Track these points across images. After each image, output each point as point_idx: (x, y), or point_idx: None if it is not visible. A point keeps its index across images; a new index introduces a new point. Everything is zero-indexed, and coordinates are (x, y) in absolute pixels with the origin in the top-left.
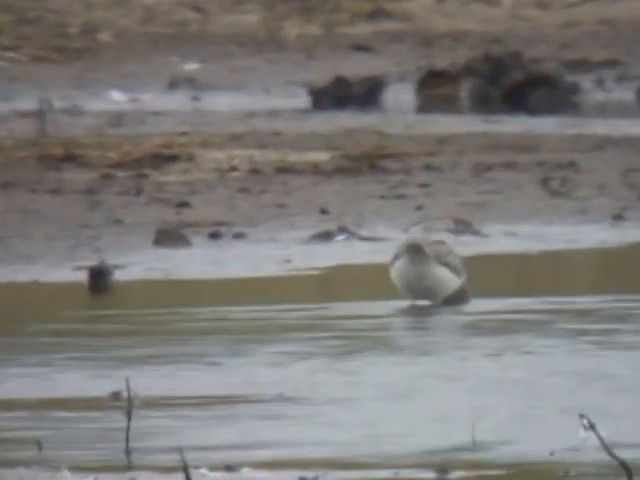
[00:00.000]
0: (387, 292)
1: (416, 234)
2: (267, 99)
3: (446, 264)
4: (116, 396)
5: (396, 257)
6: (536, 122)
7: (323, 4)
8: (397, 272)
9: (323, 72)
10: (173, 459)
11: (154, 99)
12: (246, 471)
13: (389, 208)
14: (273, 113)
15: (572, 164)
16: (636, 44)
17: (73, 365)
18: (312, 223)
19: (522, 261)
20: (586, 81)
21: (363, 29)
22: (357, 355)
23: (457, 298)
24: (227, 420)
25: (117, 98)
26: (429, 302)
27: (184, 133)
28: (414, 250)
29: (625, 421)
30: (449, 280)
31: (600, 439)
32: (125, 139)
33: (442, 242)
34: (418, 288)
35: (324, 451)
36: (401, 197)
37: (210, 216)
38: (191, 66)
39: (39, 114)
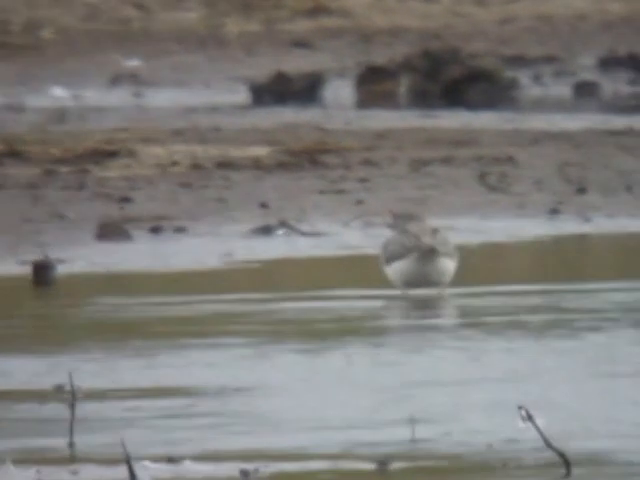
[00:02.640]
0: (326, 285)
1: (427, 238)
2: (208, 95)
3: (447, 254)
4: (59, 389)
5: (395, 256)
6: (474, 117)
7: (263, 1)
8: (400, 272)
9: (263, 68)
10: (116, 452)
11: (96, 95)
12: (188, 463)
13: (329, 203)
14: (214, 109)
15: (510, 159)
16: (573, 40)
17: (17, 358)
18: (253, 217)
19: (460, 254)
20: (524, 76)
21: (303, 26)
22: (297, 347)
23: None
24: (168, 412)
25: (59, 94)
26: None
27: (126, 129)
28: (430, 254)
29: (560, 413)
30: (451, 269)
31: (538, 430)
32: (67, 135)
33: (437, 230)
34: (422, 283)
35: (265, 443)
36: (341, 192)
37: (152, 211)
38: (133, 63)
39: None
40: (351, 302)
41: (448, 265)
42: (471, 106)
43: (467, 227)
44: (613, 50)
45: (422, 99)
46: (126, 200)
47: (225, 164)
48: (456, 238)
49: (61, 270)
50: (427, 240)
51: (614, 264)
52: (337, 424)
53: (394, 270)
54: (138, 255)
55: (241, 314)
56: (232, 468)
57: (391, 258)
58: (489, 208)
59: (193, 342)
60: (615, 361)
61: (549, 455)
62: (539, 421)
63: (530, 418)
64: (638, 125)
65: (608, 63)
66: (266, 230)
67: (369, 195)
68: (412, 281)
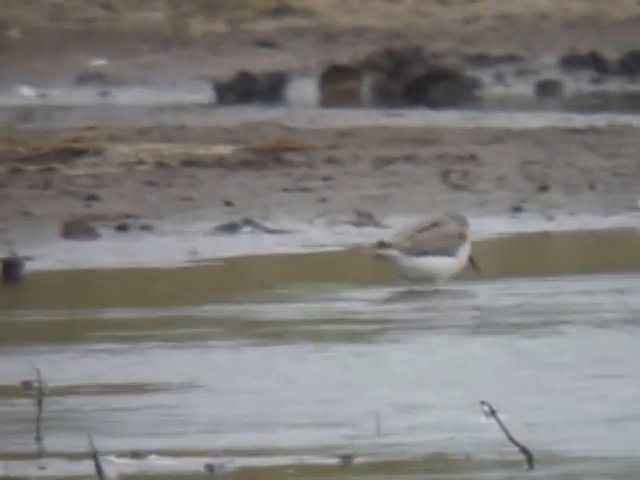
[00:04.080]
0: (292, 281)
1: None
2: (173, 94)
3: (443, 253)
4: (27, 385)
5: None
6: (437, 116)
7: (228, 1)
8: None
9: (228, 67)
10: (82, 446)
11: (63, 94)
12: (153, 458)
13: (293, 200)
14: (179, 108)
15: (472, 157)
16: (535, 39)
17: None
18: (217, 215)
19: None
20: (486, 75)
21: (267, 25)
22: (261, 344)
23: None
24: (135, 407)
25: (26, 93)
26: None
27: (92, 127)
28: (380, 250)
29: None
30: (449, 266)
31: (500, 425)
32: (34, 134)
33: (435, 223)
34: (409, 279)
35: (230, 438)
36: (305, 190)
37: (118, 209)
38: (99, 62)
39: None
40: (309, 304)
41: (436, 263)
42: (434, 105)
43: None
44: (575, 49)
45: (385, 98)
46: (93, 198)
47: (190, 162)
48: None
49: (28, 267)
50: (395, 237)
51: (575, 261)
52: (300, 420)
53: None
54: (104, 253)
55: (200, 315)
56: (197, 463)
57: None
58: (452, 206)
59: (156, 341)
60: (574, 359)
61: (512, 449)
62: (501, 416)
63: (493, 413)
64: (600, 123)
65: (570, 62)
66: (231, 228)
67: (333, 193)
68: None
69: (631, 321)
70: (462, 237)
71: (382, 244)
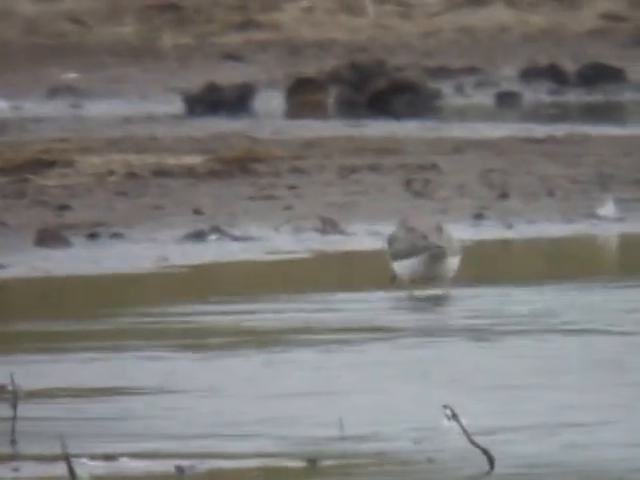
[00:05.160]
0: (257, 287)
1: (434, 237)
2: (143, 106)
3: (453, 253)
4: (1, 389)
5: (404, 254)
6: (399, 126)
7: (196, 15)
8: (408, 269)
9: (196, 80)
10: (55, 449)
11: (35, 107)
12: (125, 460)
13: (259, 208)
14: (149, 119)
15: (434, 166)
16: (495, 51)
17: None
18: (187, 223)
19: (384, 257)
20: (447, 87)
21: (234, 39)
22: (228, 349)
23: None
24: (106, 412)
25: (0, 106)
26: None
27: (64, 139)
28: (439, 255)
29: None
30: (455, 266)
31: (463, 429)
32: (7, 145)
33: (441, 228)
34: (429, 281)
35: (200, 441)
36: (271, 198)
37: (89, 218)
38: (70, 75)
39: None
40: (272, 313)
41: (453, 263)
42: (396, 116)
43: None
44: (534, 61)
45: (349, 109)
46: (64, 208)
47: (160, 172)
48: (381, 243)
49: (3, 275)
50: (435, 240)
51: (531, 268)
52: (267, 424)
53: (403, 267)
54: (76, 260)
55: (176, 316)
56: (168, 465)
57: (399, 256)
58: (414, 213)
59: (133, 342)
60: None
61: (473, 452)
62: (463, 420)
63: (455, 417)
64: (559, 133)
65: (529, 74)
66: (199, 235)
67: (298, 201)
68: (420, 279)
69: (579, 330)
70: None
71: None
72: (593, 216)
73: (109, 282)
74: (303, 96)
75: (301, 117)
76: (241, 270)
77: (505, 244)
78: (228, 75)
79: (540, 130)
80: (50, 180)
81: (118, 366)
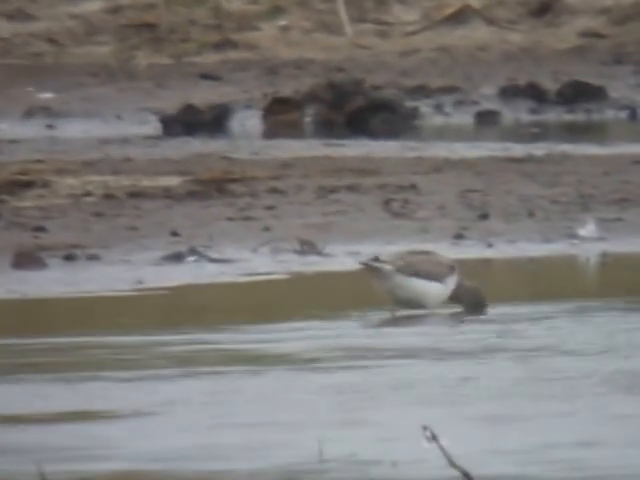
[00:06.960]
0: (235, 310)
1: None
2: (119, 126)
3: (417, 274)
4: None
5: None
6: (378, 146)
7: (172, 35)
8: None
9: (173, 100)
10: (32, 471)
11: (10, 128)
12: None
13: (237, 230)
14: (125, 140)
15: (413, 186)
16: (474, 70)
17: None
18: (164, 245)
19: (363, 278)
20: (425, 106)
21: (210, 58)
22: (205, 369)
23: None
24: (83, 435)
25: None
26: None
27: (40, 160)
28: (371, 270)
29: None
30: (427, 290)
31: (442, 450)
32: None
33: (425, 252)
34: (403, 301)
35: (174, 464)
36: (248, 219)
37: (65, 239)
38: (46, 95)
39: None
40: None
41: (413, 286)
42: (374, 135)
43: (372, 252)
44: (513, 80)
45: (327, 129)
46: (40, 229)
47: (137, 194)
48: None
49: None
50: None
51: (510, 288)
52: (244, 445)
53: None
54: (53, 282)
55: (150, 337)
56: None
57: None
58: (393, 233)
59: (108, 366)
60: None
61: (453, 474)
62: (443, 441)
63: (434, 438)
64: (538, 152)
65: (508, 92)
66: (177, 257)
67: (276, 222)
68: (395, 302)
69: (559, 351)
70: (451, 268)
71: (377, 259)
72: (574, 236)
73: (85, 305)
74: (280, 116)
75: (278, 137)
76: (218, 292)
77: (485, 264)
78: (205, 95)
79: (520, 149)
80: (26, 201)
81: (96, 389)
